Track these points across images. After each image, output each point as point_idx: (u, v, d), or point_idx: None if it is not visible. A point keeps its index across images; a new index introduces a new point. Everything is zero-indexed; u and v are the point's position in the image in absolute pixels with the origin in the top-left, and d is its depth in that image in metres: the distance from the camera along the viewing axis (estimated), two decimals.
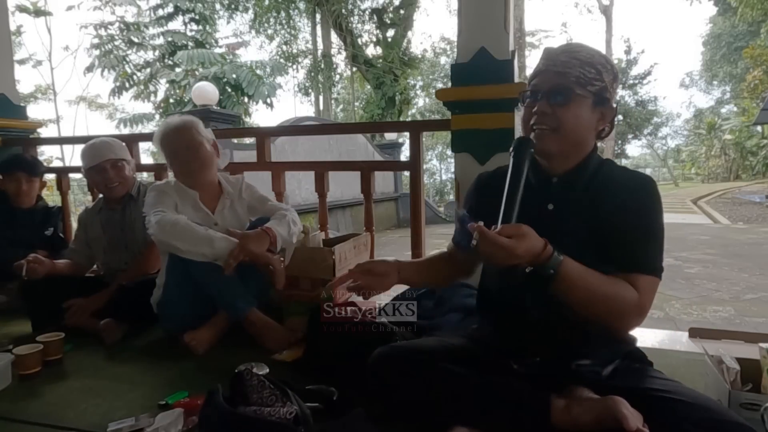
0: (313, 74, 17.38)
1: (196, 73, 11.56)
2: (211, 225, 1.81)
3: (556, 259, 0.99)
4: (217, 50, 13.40)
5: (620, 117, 26.13)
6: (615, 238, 1.06)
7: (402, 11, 16.31)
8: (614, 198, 1.08)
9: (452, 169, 10.08)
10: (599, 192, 1.10)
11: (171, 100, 12.75)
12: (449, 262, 1.36)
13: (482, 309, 1.33)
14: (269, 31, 17.35)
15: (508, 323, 1.20)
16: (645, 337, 1.27)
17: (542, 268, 0.99)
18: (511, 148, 1.07)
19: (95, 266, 2.30)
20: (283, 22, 17.16)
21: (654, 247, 1.07)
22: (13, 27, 12.23)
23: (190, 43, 13.54)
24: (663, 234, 1.08)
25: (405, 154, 12.26)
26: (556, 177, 1.14)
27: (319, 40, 17.62)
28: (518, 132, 1.23)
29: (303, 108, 30.73)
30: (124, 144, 2.23)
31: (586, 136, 1.11)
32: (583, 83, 1.06)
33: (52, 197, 5.39)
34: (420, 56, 18.36)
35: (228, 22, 18.30)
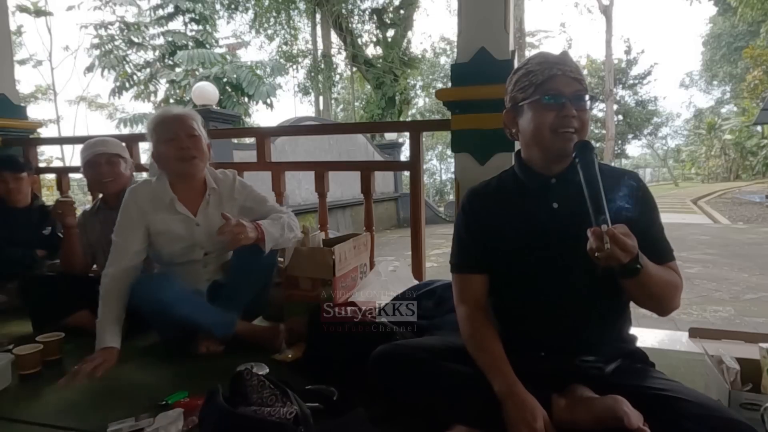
0: (313, 74, 17.38)
1: (196, 73, 11.55)
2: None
3: (640, 254, 0.99)
4: (218, 50, 13.39)
5: (620, 117, 26.15)
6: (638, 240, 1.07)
7: (402, 11, 16.32)
8: (614, 193, 1.08)
9: (452, 169, 10.09)
10: None
11: (171, 100, 12.74)
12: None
13: (496, 304, 1.26)
14: (269, 32, 17.37)
15: (524, 316, 1.18)
16: (645, 337, 1.27)
17: (632, 263, 0.97)
18: (573, 154, 1.08)
19: (94, 266, 2.30)
20: (283, 22, 17.19)
21: (664, 234, 1.15)
22: (13, 27, 12.23)
23: (190, 43, 13.52)
24: None
25: (405, 154, 12.26)
26: (554, 177, 1.16)
27: (319, 40, 17.64)
28: None
29: (303, 108, 30.72)
30: (123, 144, 2.22)
31: None
32: (587, 88, 1.13)
33: (52, 197, 5.39)
34: (420, 56, 18.37)
35: (228, 22, 18.35)
